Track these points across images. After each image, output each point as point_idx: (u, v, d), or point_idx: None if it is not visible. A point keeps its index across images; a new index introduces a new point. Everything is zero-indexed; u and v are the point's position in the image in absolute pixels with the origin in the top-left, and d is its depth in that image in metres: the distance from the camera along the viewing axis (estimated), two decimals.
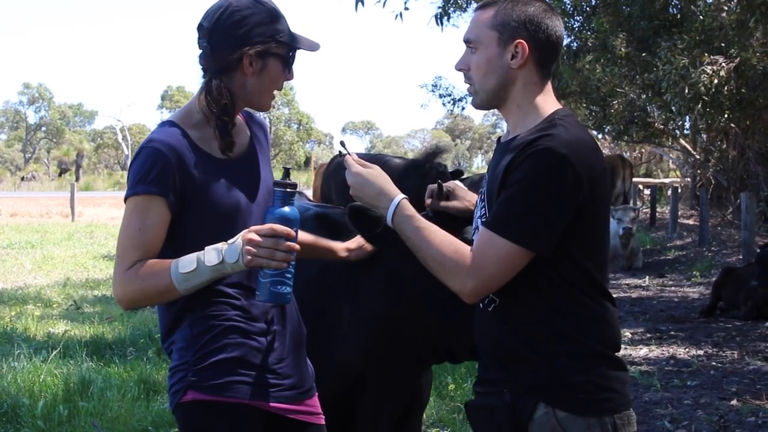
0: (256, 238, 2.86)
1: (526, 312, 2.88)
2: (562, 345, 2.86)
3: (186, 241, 3.02)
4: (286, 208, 2.91)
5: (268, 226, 2.88)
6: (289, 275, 2.92)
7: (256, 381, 3.12)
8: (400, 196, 2.95)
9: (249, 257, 2.86)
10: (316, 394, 3.39)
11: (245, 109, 3.31)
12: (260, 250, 2.85)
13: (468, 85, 3.04)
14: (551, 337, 2.86)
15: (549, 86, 3.02)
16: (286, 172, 2.96)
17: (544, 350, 2.85)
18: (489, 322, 2.97)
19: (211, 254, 2.92)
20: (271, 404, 3.17)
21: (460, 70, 3.04)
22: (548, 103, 2.98)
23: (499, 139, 3.12)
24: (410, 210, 2.94)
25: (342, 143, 3.24)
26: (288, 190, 2.92)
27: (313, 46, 3.17)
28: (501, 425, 2.88)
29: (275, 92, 3.19)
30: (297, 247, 2.89)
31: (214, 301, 3.10)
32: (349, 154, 3.07)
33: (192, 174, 3.04)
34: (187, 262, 2.94)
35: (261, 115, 3.46)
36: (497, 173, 2.88)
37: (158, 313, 3.31)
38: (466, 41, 3.00)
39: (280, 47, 3.11)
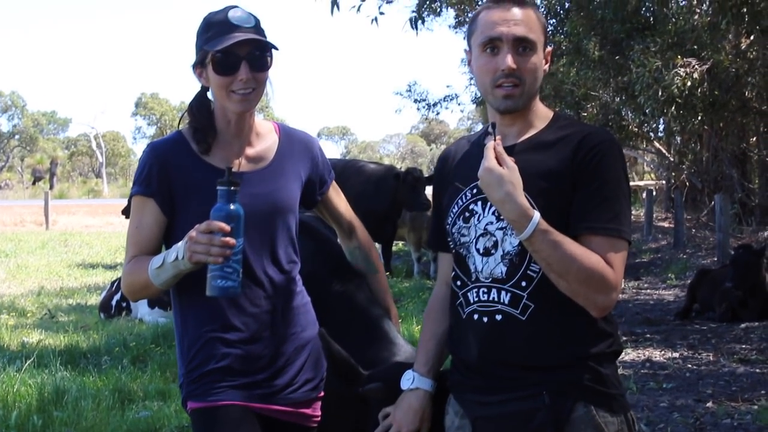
0: (194, 234, 2.93)
1: (563, 312, 2.83)
2: (599, 343, 2.88)
3: (177, 242, 3.10)
4: (230, 206, 2.95)
5: (205, 223, 2.92)
6: (230, 269, 2.94)
7: (244, 385, 3.27)
8: (537, 214, 2.73)
9: (189, 253, 2.95)
10: (317, 398, 3.49)
11: (286, 125, 3.52)
12: (197, 246, 2.92)
13: (511, 86, 2.90)
14: (588, 335, 2.87)
15: None
16: (228, 171, 2.98)
17: (581, 350, 2.85)
18: (517, 331, 2.86)
19: (172, 252, 3.05)
20: (262, 405, 3.30)
21: (512, 69, 2.89)
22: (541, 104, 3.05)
23: (479, 139, 3.10)
24: (546, 224, 2.74)
25: (493, 125, 2.95)
26: (231, 188, 2.96)
27: (220, 44, 3.12)
28: (542, 428, 2.83)
29: (240, 92, 3.18)
30: (232, 241, 2.90)
31: (201, 312, 3.24)
32: (494, 140, 2.86)
33: (180, 179, 3.22)
34: (157, 259, 3.12)
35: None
36: (541, 172, 2.86)
37: None
38: (524, 38, 2.90)
39: (207, 53, 3.18)
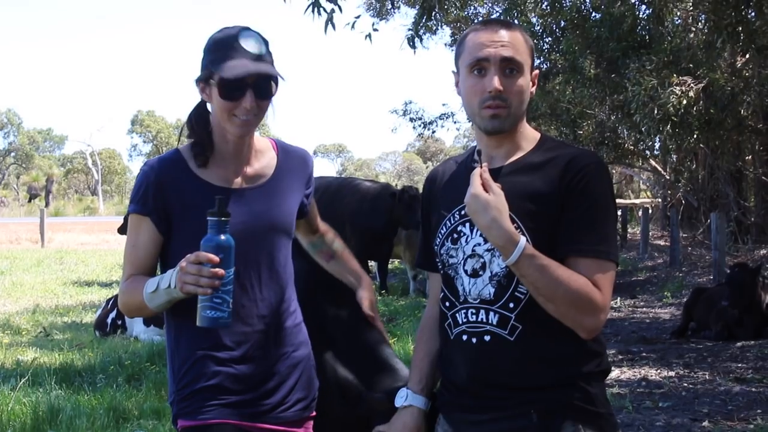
0: (184, 264, 2.91)
1: (552, 332, 2.82)
2: (588, 362, 2.89)
3: (174, 261, 3.07)
4: (220, 236, 2.93)
5: (194, 253, 2.91)
6: (219, 300, 2.92)
7: (234, 403, 3.24)
8: (522, 238, 2.74)
9: (180, 284, 2.93)
10: (309, 417, 3.46)
11: (282, 141, 3.49)
12: (187, 276, 2.89)
13: (498, 108, 2.90)
14: (576, 354, 2.87)
15: None
16: (219, 202, 2.96)
17: (570, 370, 2.86)
18: (506, 352, 2.87)
19: (166, 278, 3.03)
20: (253, 424, 3.28)
21: (499, 91, 2.89)
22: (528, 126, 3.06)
23: (466, 160, 3.10)
24: (532, 248, 2.76)
25: (479, 152, 3.02)
26: (222, 219, 2.94)
27: (229, 71, 3.08)
28: None
29: (242, 117, 3.14)
30: (220, 272, 2.89)
31: (193, 330, 3.14)
32: (480, 167, 2.87)
33: (177, 197, 3.19)
34: (152, 283, 3.09)
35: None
36: (529, 194, 2.86)
37: None
38: (511, 60, 2.90)
39: (213, 75, 3.12)
